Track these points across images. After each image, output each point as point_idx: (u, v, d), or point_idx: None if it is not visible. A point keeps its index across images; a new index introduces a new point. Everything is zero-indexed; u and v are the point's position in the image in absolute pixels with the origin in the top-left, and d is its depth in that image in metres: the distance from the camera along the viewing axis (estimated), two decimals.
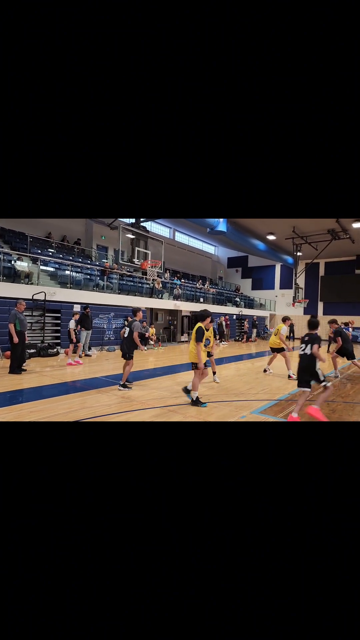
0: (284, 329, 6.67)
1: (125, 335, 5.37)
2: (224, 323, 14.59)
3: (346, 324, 10.01)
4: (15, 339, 6.11)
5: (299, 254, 18.68)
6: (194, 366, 4.52)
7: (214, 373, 6.06)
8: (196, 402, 4.43)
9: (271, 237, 18.29)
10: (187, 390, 4.60)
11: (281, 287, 23.71)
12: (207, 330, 4.61)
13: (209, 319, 4.58)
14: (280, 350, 6.71)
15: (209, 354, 5.53)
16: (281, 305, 23.18)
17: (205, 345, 4.60)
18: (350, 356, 6.52)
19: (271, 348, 6.88)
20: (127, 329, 5.38)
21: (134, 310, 5.48)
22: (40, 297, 8.99)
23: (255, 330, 18.38)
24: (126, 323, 5.41)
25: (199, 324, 4.49)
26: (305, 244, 18.20)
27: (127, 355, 5.33)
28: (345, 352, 6.46)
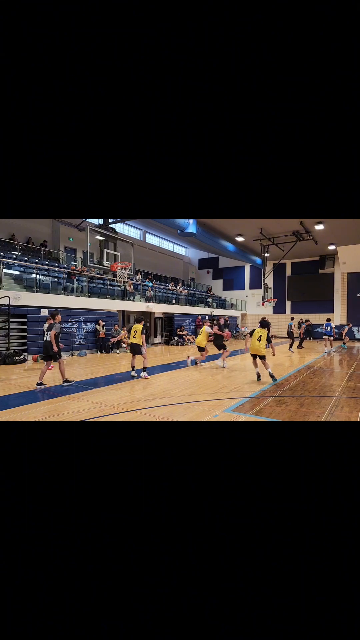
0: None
1: (47, 339, 5.80)
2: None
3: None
4: None
5: (266, 254, 19.25)
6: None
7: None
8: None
9: (240, 239, 18.72)
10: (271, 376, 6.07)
11: (251, 287, 24.34)
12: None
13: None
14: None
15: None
16: (251, 304, 23.82)
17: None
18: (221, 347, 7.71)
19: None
20: (47, 333, 5.82)
21: (53, 314, 5.96)
22: (4, 302, 8.56)
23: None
24: (46, 327, 5.97)
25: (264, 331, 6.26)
26: (272, 245, 18.83)
27: (56, 357, 5.79)
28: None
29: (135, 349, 6.56)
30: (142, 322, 6.68)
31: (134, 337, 6.52)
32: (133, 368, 6.72)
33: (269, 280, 21.77)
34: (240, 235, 18.17)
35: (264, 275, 19.51)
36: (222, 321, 8.89)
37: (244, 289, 24.68)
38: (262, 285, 19.32)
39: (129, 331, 6.52)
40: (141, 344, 6.49)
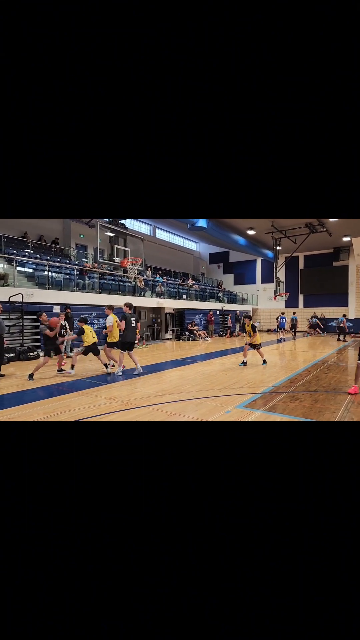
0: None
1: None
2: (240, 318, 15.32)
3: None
4: None
5: (278, 248, 18.94)
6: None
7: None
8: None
9: (251, 232, 18.44)
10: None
11: (262, 282, 24.01)
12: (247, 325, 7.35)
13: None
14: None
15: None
16: (263, 299, 23.52)
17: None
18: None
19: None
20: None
21: (38, 314, 6.38)
22: (18, 299, 8.70)
23: (238, 325, 18.56)
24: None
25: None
26: (284, 238, 18.46)
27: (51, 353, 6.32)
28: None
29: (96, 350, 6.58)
30: (64, 315, 6.79)
31: (93, 337, 6.49)
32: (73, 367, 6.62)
33: (281, 274, 21.42)
34: (251, 228, 17.89)
35: (276, 269, 19.20)
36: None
37: (255, 283, 24.37)
38: (274, 279, 19.03)
39: (81, 332, 6.58)
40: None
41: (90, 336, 6.44)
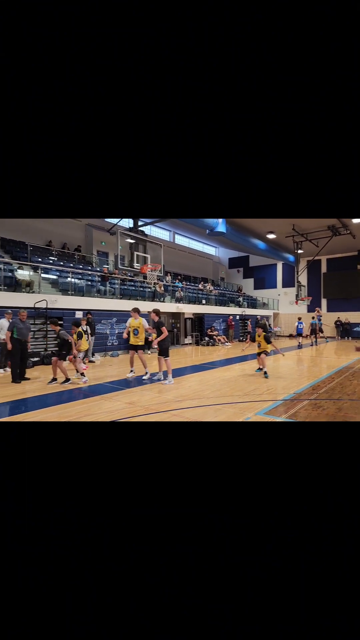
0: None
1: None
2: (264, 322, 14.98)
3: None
4: (9, 346, 6.18)
5: (299, 251, 18.54)
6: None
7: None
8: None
9: (271, 236, 18.18)
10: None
11: (284, 286, 23.54)
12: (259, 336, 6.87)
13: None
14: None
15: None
16: (284, 303, 23.03)
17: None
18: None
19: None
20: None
21: (53, 322, 6.39)
22: (42, 305, 9.02)
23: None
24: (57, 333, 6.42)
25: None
26: (306, 242, 18.05)
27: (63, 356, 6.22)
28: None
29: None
30: (86, 321, 6.71)
31: (87, 340, 6.51)
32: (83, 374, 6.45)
33: (303, 278, 20.94)
34: (271, 232, 17.65)
35: (297, 273, 18.82)
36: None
37: (276, 287, 23.94)
38: (296, 283, 18.64)
39: (79, 337, 6.50)
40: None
41: (84, 340, 6.51)
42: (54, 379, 6.15)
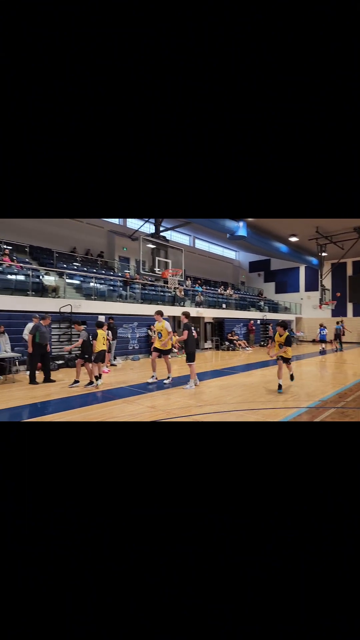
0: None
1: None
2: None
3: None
4: (30, 349, 6.37)
5: (323, 254, 18.04)
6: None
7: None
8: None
9: (293, 239, 17.85)
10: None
11: (307, 290, 22.92)
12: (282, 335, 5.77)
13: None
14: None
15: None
16: (307, 307, 22.41)
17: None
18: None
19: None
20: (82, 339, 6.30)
21: (76, 322, 6.53)
22: (67, 309, 9.30)
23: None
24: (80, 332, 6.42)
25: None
26: (330, 244, 17.58)
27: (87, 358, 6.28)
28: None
29: (104, 356, 6.34)
30: (106, 326, 6.46)
31: (103, 343, 6.29)
32: (99, 377, 6.40)
33: (327, 282, 20.30)
34: (293, 235, 17.33)
35: (321, 277, 18.31)
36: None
37: (298, 291, 23.37)
38: (319, 287, 18.13)
39: (94, 337, 6.36)
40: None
41: (101, 342, 6.30)
42: (76, 382, 6.21)
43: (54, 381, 6.68)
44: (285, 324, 5.79)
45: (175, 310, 13.45)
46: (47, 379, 6.61)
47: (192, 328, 6.27)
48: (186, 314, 6.29)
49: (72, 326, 6.67)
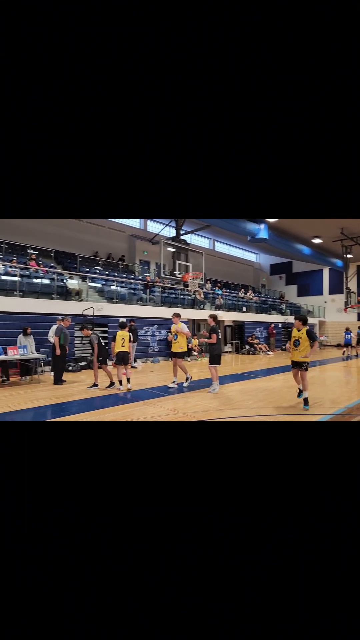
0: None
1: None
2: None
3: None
4: (58, 351, 6.51)
5: (349, 256, 17.53)
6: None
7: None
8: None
9: (317, 241, 17.44)
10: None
11: (330, 292, 22.23)
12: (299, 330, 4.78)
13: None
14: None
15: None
16: (331, 311, 21.74)
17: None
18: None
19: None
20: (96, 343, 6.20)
21: (83, 327, 6.48)
22: (89, 312, 9.52)
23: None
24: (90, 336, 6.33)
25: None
26: (356, 245, 17.03)
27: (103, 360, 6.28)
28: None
29: (125, 358, 6.16)
30: (128, 327, 6.29)
31: (122, 345, 6.06)
32: (120, 382, 6.17)
33: (353, 284, 19.66)
34: (317, 237, 16.94)
35: (347, 279, 17.72)
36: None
37: (322, 294, 22.69)
38: (344, 289, 17.56)
39: (113, 339, 6.14)
40: (130, 352, 6.20)
41: (119, 344, 6.08)
42: (95, 384, 6.20)
43: (64, 381, 6.79)
44: (304, 318, 4.72)
45: (195, 313, 13.45)
46: (60, 380, 6.75)
47: (219, 331, 6.21)
48: (214, 317, 6.16)
49: (81, 331, 6.66)
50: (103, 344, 6.38)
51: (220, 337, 6.12)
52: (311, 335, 4.65)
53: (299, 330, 4.73)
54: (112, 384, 6.18)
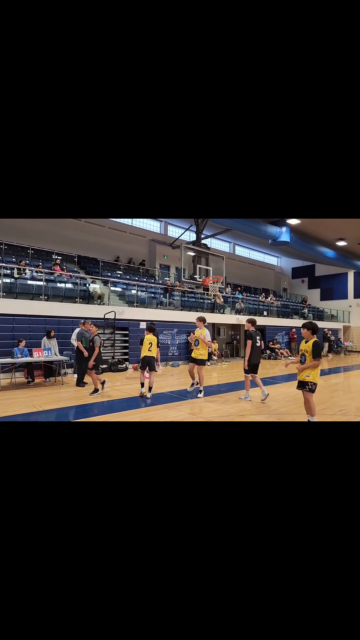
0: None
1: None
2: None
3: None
4: (86, 353, 6.57)
5: None
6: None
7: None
8: None
9: (341, 243, 16.97)
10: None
11: (356, 296, 21.52)
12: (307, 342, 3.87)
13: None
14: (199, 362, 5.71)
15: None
16: (357, 315, 21.02)
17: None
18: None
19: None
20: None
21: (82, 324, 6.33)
22: (111, 316, 9.71)
23: (327, 344, 16.88)
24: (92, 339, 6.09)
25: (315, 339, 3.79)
26: None
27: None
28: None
29: (151, 364, 5.72)
30: (155, 332, 5.84)
31: (149, 349, 5.66)
32: (142, 385, 5.89)
33: None
34: (341, 239, 16.44)
35: None
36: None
37: (346, 298, 21.97)
38: None
39: (140, 342, 5.83)
40: (157, 357, 5.83)
41: (146, 348, 5.72)
42: (96, 390, 5.98)
43: (86, 384, 6.92)
44: (313, 326, 3.81)
45: (215, 317, 13.39)
46: (82, 382, 6.88)
47: (258, 337, 5.61)
48: (252, 321, 5.65)
49: (82, 325, 6.42)
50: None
51: (258, 344, 5.61)
52: (316, 350, 3.70)
53: (306, 342, 3.81)
54: (96, 390, 6.02)
